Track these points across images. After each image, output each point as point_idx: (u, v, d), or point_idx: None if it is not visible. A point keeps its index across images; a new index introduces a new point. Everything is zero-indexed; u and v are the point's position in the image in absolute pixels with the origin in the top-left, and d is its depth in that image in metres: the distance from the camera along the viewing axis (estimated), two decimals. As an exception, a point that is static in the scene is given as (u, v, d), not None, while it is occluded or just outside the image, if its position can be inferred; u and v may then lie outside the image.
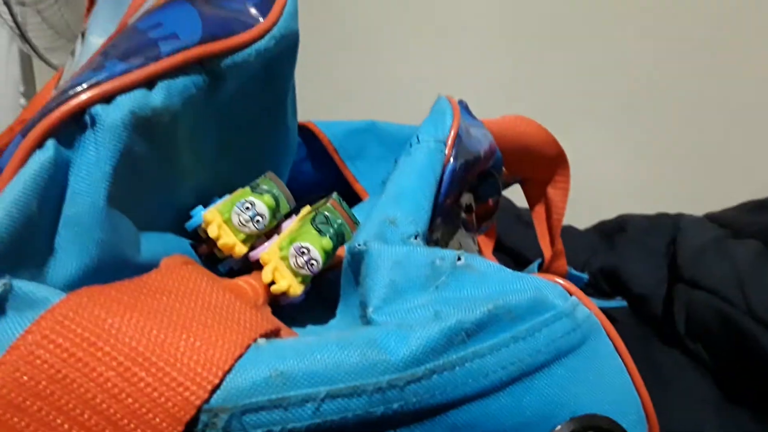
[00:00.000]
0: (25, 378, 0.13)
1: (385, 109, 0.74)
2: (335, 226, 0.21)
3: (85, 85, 0.17)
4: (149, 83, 0.18)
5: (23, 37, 0.76)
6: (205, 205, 0.21)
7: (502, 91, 0.71)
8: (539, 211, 0.41)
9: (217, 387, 0.14)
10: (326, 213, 0.21)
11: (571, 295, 0.20)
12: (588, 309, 0.20)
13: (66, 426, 0.13)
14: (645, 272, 0.46)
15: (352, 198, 0.47)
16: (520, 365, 0.17)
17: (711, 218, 0.49)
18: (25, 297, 0.15)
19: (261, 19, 0.20)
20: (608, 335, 0.21)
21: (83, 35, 0.31)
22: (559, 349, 0.18)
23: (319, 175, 0.48)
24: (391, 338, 0.16)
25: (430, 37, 0.74)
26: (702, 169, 0.66)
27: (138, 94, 0.17)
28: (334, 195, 0.22)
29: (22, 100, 0.83)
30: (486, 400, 0.17)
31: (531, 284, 0.19)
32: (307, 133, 0.46)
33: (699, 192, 0.65)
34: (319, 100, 0.65)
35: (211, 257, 0.21)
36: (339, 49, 0.78)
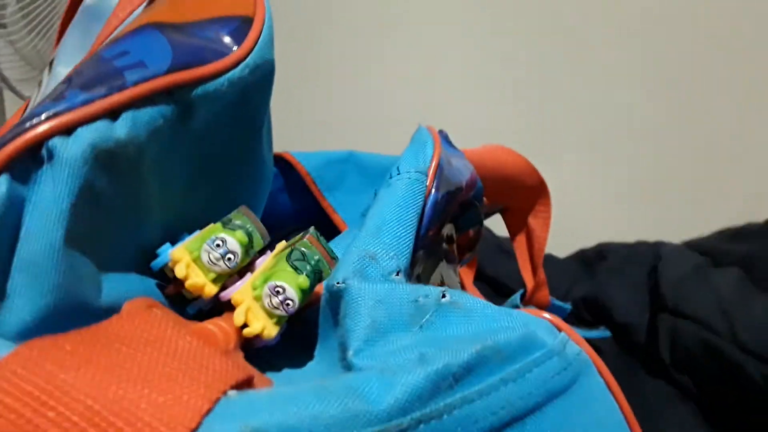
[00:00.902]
0: (-33, 442, 0.12)
1: (364, 139, 0.73)
2: (312, 262, 0.20)
3: (43, 117, 0.16)
4: (113, 114, 0.16)
5: (-7, 68, 0.74)
6: (173, 243, 0.20)
7: (484, 120, 0.72)
8: (520, 240, 0.40)
9: (182, 447, 0.13)
10: (303, 249, 0.20)
11: (560, 331, 0.20)
12: (578, 346, 0.20)
13: (12, 496, 0.12)
14: (627, 301, 0.46)
15: (330, 229, 0.46)
16: (511, 409, 0.16)
17: (690, 246, 0.49)
18: (-31, 350, 0.14)
19: (235, 48, 0.19)
20: (599, 372, 0.20)
21: (51, 65, 0.30)
22: (550, 390, 0.17)
23: (296, 206, 0.47)
24: (373, 386, 0.15)
25: (416, 67, 0.74)
26: (682, 197, 0.67)
27: (100, 126, 0.16)
28: (311, 230, 0.21)
29: (-10, 132, 0.81)
30: (476, 449, 0.16)
31: (519, 321, 0.18)
32: (283, 163, 0.45)
33: (678, 219, 0.65)
34: (297, 129, 0.64)
35: (179, 298, 0.20)
36: (317, 78, 0.78)
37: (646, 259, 0.49)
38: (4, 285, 0.15)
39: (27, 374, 0.13)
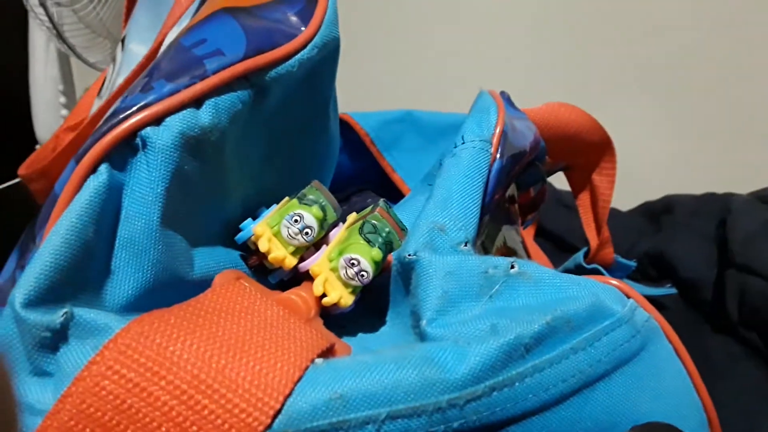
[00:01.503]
0: (92, 409, 0.13)
1: (418, 96, 0.73)
2: (383, 234, 0.20)
3: (134, 108, 0.17)
4: (197, 102, 0.17)
5: (60, 37, 0.77)
6: (253, 216, 0.21)
7: (537, 70, 0.70)
8: (584, 198, 0.40)
9: (278, 412, 0.14)
10: (374, 222, 0.21)
11: (628, 297, 0.20)
12: (646, 312, 0.20)
13: (133, 455, 0.13)
14: (694, 256, 0.45)
15: (390, 189, 0.46)
16: (581, 377, 0.17)
17: (762, 198, 0.47)
18: (86, 324, 0.15)
19: (302, 28, 0.20)
20: (667, 337, 0.20)
21: (123, 42, 0.31)
22: (619, 358, 0.18)
23: (356, 166, 0.48)
24: (448, 355, 0.16)
25: (462, 14, 0.72)
26: (754, 144, 0.64)
27: (187, 114, 0.17)
28: (381, 202, 0.22)
29: (62, 99, 0.85)
30: (546, 413, 0.16)
31: (588, 290, 0.19)
32: (342, 125, 0.46)
33: (746, 169, 0.62)
34: (354, 92, 0.64)
35: (261, 268, 0.21)
36: (369, 41, 0.77)
37: (714, 212, 0.48)
38: (108, 264, 0.17)
39: (140, 347, 0.14)
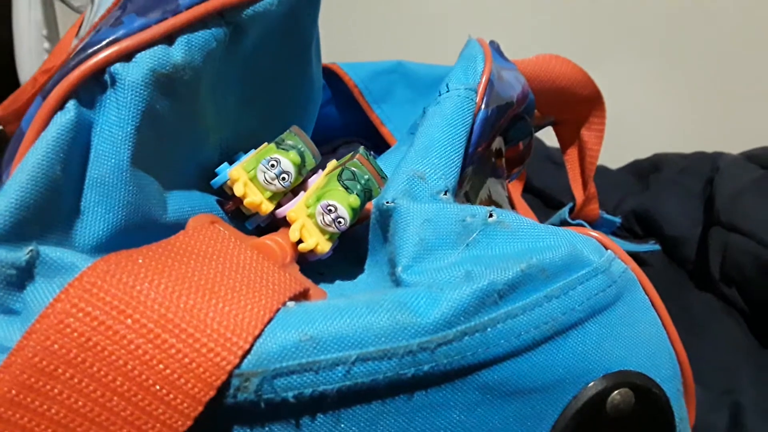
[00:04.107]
0: (56, 346, 0.13)
1: (411, 47, 0.71)
2: (362, 182, 0.20)
3: (103, 43, 0.16)
4: (169, 38, 0.17)
5: (43, -21, 0.74)
6: (230, 161, 0.21)
7: (529, 22, 0.68)
8: (572, 153, 0.40)
9: (247, 352, 0.14)
10: (353, 169, 0.20)
11: (606, 249, 0.20)
12: (624, 263, 0.20)
13: (98, 393, 0.13)
14: (679, 213, 0.45)
15: (378, 142, 0.46)
16: (554, 324, 0.17)
17: (750, 158, 0.47)
18: (52, 263, 0.15)
19: (282, -36, 0.19)
20: (644, 289, 0.20)
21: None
22: (593, 307, 0.18)
23: (344, 118, 0.47)
24: (421, 300, 0.16)
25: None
26: (741, 104, 0.63)
27: (158, 51, 0.17)
28: (361, 150, 0.21)
29: (46, 44, 0.82)
30: (518, 359, 0.16)
31: (565, 240, 0.19)
32: (331, 75, 0.45)
33: (737, 129, 0.62)
34: (343, 39, 0.63)
35: (238, 214, 0.21)
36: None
37: (702, 170, 0.48)
38: (77, 204, 0.17)
39: (106, 285, 0.14)
